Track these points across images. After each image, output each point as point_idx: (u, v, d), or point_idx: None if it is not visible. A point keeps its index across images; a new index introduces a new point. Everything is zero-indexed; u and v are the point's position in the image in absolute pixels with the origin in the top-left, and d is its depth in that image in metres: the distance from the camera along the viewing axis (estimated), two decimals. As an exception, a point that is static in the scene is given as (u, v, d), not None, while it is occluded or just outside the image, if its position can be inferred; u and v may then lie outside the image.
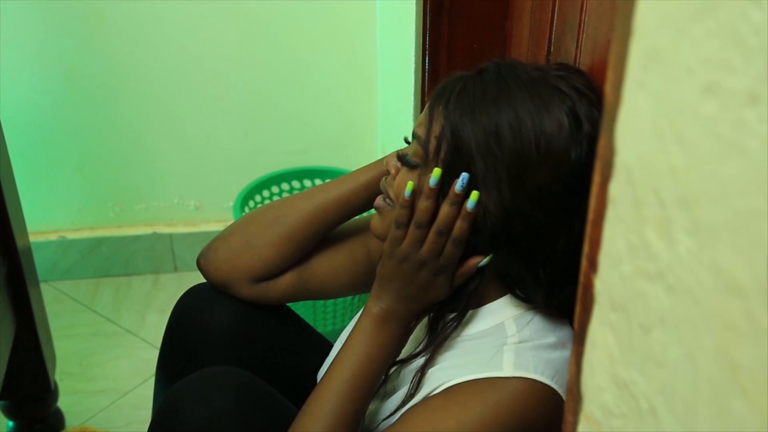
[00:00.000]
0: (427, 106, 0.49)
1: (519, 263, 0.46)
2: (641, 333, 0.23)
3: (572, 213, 0.44)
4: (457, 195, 0.46)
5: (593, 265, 0.25)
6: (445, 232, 0.47)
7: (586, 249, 0.25)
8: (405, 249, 0.49)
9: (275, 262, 0.59)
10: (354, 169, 0.62)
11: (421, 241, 0.48)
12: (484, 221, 0.45)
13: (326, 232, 0.60)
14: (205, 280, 0.63)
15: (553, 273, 0.46)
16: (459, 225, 0.47)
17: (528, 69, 0.47)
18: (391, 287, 0.50)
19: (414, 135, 0.49)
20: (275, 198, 1.19)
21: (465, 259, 0.49)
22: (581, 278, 0.26)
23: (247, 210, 1.12)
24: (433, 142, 0.47)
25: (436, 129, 0.47)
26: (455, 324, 0.51)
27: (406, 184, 0.48)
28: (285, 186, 1.20)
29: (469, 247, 0.48)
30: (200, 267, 0.62)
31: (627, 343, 0.24)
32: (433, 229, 0.48)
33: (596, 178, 0.24)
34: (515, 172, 0.44)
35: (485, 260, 0.48)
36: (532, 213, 0.44)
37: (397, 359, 0.52)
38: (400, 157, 0.50)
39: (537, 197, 0.44)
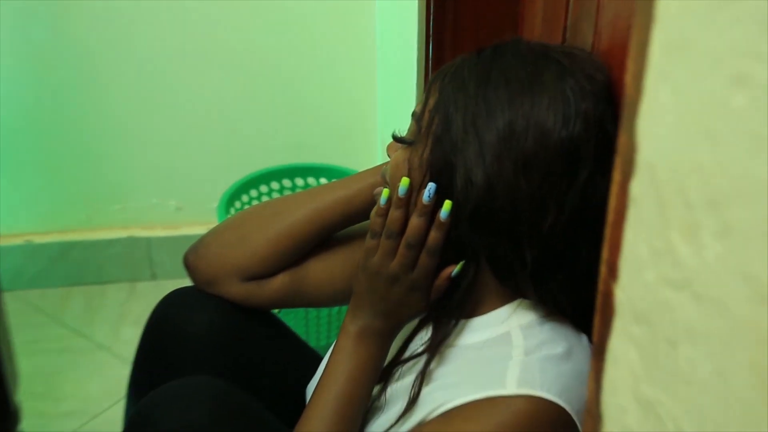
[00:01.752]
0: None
1: (503, 244, 0.47)
2: (667, 347, 0.23)
3: (560, 190, 0.45)
4: (425, 206, 0.48)
5: (613, 272, 0.25)
6: (416, 244, 0.49)
7: (605, 254, 0.26)
8: (376, 262, 0.51)
9: (269, 260, 0.60)
10: (352, 165, 0.63)
11: (393, 253, 0.50)
12: (466, 196, 0.46)
13: (326, 234, 0.62)
14: (186, 285, 0.64)
15: (540, 257, 0.47)
16: (433, 235, 0.49)
17: (531, 44, 0.49)
18: (366, 303, 0.52)
19: (413, 114, 0.51)
20: (264, 198, 1.19)
21: (440, 270, 0.50)
22: (600, 286, 0.26)
23: (233, 211, 1.12)
24: (426, 116, 0.49)
25: (431, 103, 0.49)
26: (453, 325, 0.51)
27: (399, 163, 0.50)
28: (275, 185, 1.21)
29: (449, 236, 0.49)
30: (188, 263, 0.63)
31: (651, 359, 0.24)
32: (402, 242, 0.50)
33: (616, 176, 0.24)
34: (501, 140, 0.45)
35: (457, 268, 0.50)
36: (516, 183, 0.45)
37: (400, 359, 0.54)
38: (396, 136, 0.52)
39: (522, 165, 0.45)
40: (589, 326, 0.48)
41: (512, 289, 0.51)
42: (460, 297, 0.50)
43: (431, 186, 0.47)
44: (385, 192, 0.50)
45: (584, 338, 0.51)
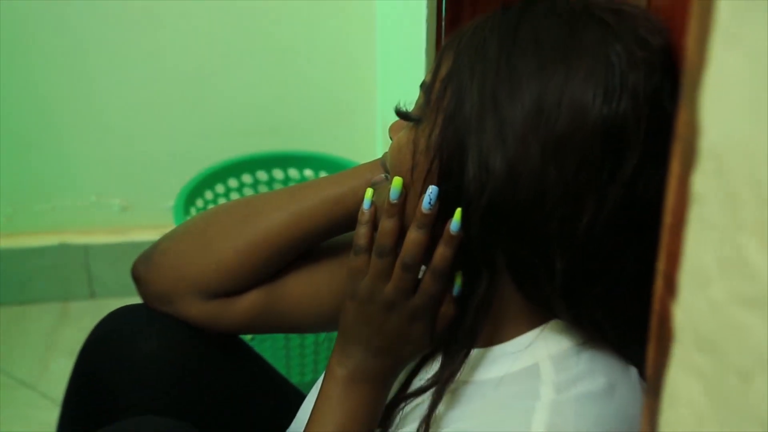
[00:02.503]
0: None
1: (526, 249, 0.47)
2: (738, 382, 0.24)
3: (600, 182, 0.45)
4: (426, 215, 0.48)
5: (671, 288, 0.25)
6: (414, 265, 0.49)
7: (661, 265, 0.26)
8: (366, 286, 0.51)
9: (237, 273, 0.61)
10: (345, 153, 0.63)
11: (387, 274, 0.50)
12: (481, 186, 0.46)
13: (311, 243, 0.62)
14: (134, 301, 0.64)
15: (574, 266, 0.47)
16: (441, 252, 0.49)
17: (570, 1, 0.49)
18: (356, 339, 0.52)
19: (421, 85, 0.51)
20: (233, 195, 1.20)
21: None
22: (655, 305, 0.27)
23: (193, 212, 1.13)
24: (437, 87, 0.49)
25: (443, 71, 0.49)
26: (466, 356, 0.51)
27: (402, 145, 0.50)
28: (247, 178, 1.21)
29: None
30: (137, 275, 0.63)
31: (719, 396, 0.24)
32: (398, 262, 0.50)
33: (674, 167, 0.24)
34: (527, 118, 0.45)
35: (456, 283, 0.50)
36: (544, 171, 0.45)
37: (402, 398, 0.54)
38: (400, 111, 0.52)
39: (552, 150, 0.45)
40: (639, 356, 0.48)
41: (540, 307, 0.51)
42: (472, 319, 0.50)
43: (432, 190, 0.47)
44: (369, 192, 0.50)
45: (633, 371, 0.51)
